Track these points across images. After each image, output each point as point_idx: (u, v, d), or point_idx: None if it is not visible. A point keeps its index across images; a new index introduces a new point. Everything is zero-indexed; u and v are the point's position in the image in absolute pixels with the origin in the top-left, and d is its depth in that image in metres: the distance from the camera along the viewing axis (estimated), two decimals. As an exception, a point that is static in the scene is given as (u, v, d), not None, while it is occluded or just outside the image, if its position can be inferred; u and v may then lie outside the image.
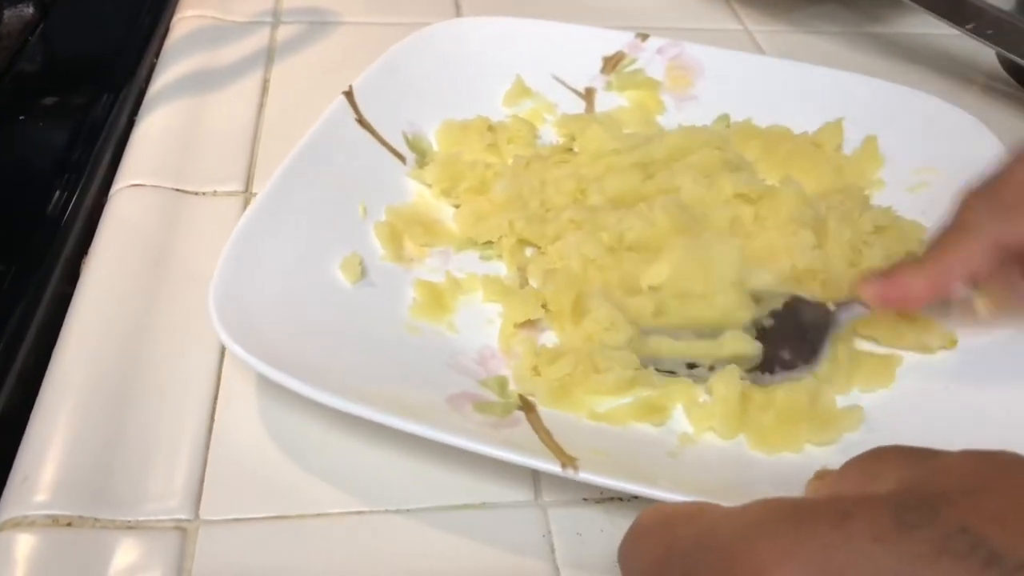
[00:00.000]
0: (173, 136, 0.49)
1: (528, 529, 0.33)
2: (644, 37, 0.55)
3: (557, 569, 0.32)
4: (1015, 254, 0.37)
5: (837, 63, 0.55)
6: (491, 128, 0.49)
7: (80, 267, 0.42)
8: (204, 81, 0.54)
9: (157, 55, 0.57)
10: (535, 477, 0.35)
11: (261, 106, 0.52)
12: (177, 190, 0.46)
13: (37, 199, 0.46)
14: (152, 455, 0.34)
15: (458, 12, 0.63)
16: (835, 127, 0.50)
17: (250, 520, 0.32)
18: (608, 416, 0.36)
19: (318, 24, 0.60)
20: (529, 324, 0.40)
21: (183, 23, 0.59)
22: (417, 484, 0.34)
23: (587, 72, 0.54)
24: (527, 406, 0.36)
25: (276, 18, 0.60)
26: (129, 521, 0.32)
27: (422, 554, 0.32)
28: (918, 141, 0.50)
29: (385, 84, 0.48)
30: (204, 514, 0.32)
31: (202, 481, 0.33)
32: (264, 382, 0.37)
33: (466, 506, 0.33)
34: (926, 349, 0.40)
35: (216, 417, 0.36)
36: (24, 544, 0.31)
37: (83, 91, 0.54)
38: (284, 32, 0.59)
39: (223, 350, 0.38)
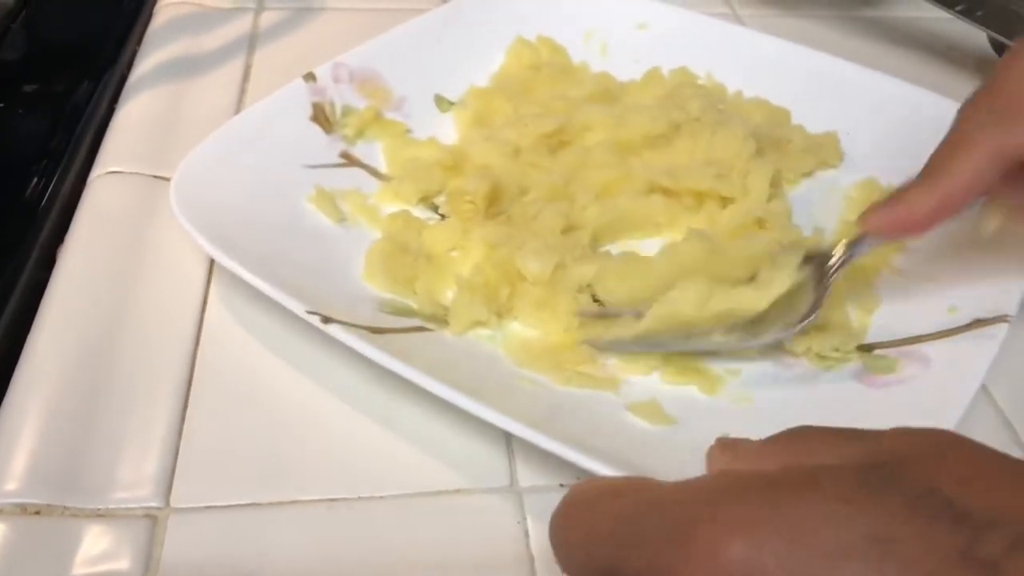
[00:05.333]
0: (153, 123, 0.49)
1: (503, 515, 0.33)
2: (312, 77, 0.47)
3: (532, 556, 0.31)
4: (1019, 164, 0.34)
5: (828, 47, 0.54)
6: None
7: (56, 254, 0.42)
8: (186, 67, 0.53)
9: (139, 42, 0.56)
10: (511, 462, 0.34)
11: (243, 92, 0.52)
12: (156, 176, 0.45)
13: (15, 186, 0.45)
14: (124, 443, 0.34)
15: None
16: None
17: (222, 508, 0.32)
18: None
19: (301, 10, 0.59)
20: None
21: (166, 9, 0.58)
22: (391, 470, 0.34)
23: (316, 143, 0.45)
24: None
25: (259, 4, 0.60)
26: (99, 509, 0.31)
27: (396, 541, 0.32)
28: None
29: None
30: (175, 502, 0.32)
31: (173, 469, 0.33)
32: (237, 372, 0.37)
33: (440, 492, 0.33)
34: None
35: (189, 405, 0.35)
36: (-8, 532, 0.30)
37: (64, 78, 0.53)
38: (267, 18, 0.59)
39: (197, 339, 0.38)
